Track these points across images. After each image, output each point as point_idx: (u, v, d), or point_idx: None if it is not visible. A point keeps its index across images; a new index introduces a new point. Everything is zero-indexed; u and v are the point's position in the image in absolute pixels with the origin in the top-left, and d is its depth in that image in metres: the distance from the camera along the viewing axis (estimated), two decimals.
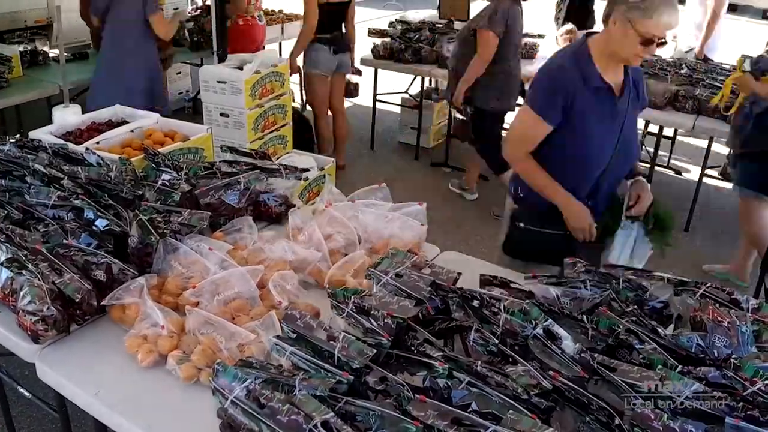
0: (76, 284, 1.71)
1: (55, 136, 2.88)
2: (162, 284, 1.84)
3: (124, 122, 3.17)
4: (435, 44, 5.47)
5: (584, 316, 1.55)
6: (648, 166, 5.05)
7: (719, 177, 5.18)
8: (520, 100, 4.63)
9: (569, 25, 5.23)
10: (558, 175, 2.32)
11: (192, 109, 6.67)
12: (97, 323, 1.79)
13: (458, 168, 5.65)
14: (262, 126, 3.85)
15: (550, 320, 1.44)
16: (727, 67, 4.94)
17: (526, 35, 5.64)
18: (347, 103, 6.92)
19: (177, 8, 4.65)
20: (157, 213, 1.99)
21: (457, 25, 6.11)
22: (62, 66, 4.49)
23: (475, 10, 6.17)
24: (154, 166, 2.41)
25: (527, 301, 1.56)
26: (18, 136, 3.25)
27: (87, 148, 2.47)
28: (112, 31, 4.29)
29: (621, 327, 1.49)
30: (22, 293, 1.68)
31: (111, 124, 3.15)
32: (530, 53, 5.64)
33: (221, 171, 2.32)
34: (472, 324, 1.51)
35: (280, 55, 7.52)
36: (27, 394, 2.04)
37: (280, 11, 7.23)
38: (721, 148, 5.09)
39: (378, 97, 6.02)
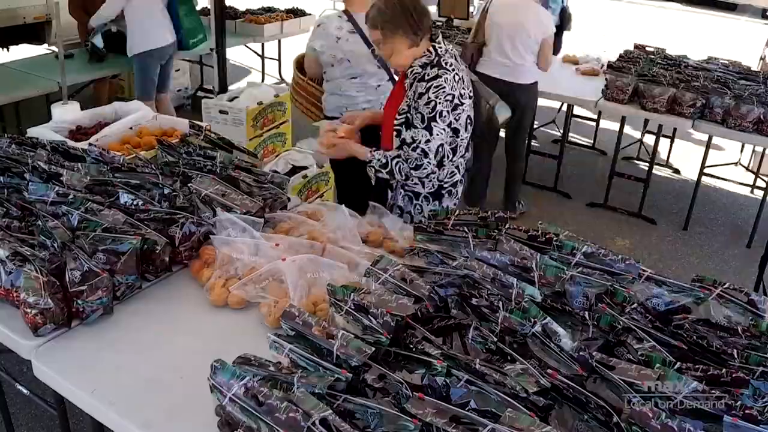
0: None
1: (54, 133, 2.88)
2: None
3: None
4: None
5: (586, 313, 1.55)
6: (647, 164, 5.06)
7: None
8: None
9: None
10: None
11: (191, 106, 6.67)
12: (95, 322, 1.79)
13: None
14: (261, 123, 3.84)
15: (548, 318, 1.44)
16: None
17: None
18: None
19: None
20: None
21: (456, 23, 6.12)
22: (61, 63, 4.49)
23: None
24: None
25: (526, 299, 1.56)
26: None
27: (90, 144, 2.47)
28: None
29: (621, 324, 1.49)
30: (22, 286, 1.70)
31: (109, 122, 3.15)
32: None
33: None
34: (471, 322, 1.52)
35: (279, 53, 7.55)
36: (25, 391, 2.03)
37: (268, 9, 7.22)
38: (720, 147, 5.11)
39: None
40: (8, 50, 6.48)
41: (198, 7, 7.68)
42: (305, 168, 3.66)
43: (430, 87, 2.32)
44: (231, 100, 3.75)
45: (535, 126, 5.49)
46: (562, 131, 5.54)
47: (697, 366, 1.35)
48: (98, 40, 5.13)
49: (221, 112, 3.69)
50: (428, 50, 2.38)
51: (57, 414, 1.90)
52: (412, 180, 2.47)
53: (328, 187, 3.97)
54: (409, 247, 1.96)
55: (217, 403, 1.35)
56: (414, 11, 2.32)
